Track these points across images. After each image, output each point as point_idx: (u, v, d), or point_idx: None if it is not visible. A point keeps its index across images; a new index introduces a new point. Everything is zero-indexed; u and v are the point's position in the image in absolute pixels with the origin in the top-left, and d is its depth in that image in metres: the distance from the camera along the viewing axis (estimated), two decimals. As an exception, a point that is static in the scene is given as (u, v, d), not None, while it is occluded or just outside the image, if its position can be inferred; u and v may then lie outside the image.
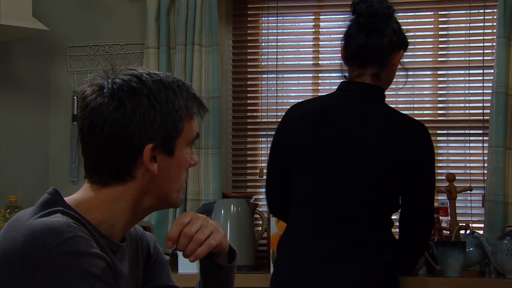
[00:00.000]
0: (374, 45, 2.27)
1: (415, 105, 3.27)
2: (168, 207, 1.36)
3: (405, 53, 3.47)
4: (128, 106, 1.26)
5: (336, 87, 2.37)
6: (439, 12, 3.25)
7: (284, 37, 3.33)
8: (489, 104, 2.97)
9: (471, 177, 3.11)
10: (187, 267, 2.83)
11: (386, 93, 2.35)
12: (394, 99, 3.30)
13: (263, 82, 3.33)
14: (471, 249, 2.75)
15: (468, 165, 3.15)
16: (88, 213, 1.27)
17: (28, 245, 1.18)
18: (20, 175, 3.28)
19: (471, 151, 3.14)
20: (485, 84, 3.09)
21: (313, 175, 2.25)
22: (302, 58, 3.37)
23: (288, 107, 2.43)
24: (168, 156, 1.30)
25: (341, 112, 2.27)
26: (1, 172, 3.24)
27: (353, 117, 2.26)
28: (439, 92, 3.24)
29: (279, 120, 2.41)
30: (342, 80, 2.36)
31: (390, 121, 2.27)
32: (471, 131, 3.14)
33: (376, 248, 2.20)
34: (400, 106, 3.27)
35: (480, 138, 3.09)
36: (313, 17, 3.35)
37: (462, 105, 3.20)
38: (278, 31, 3.31)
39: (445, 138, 3.27)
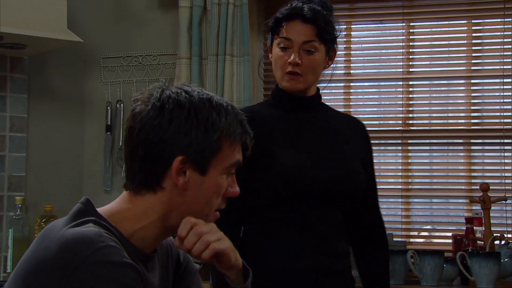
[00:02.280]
0: None
1: (449, 114, 3.25)
2: None
3: (437, 62, 3.44)
4: (166, 116, 1.27)
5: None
6: (473, 21, 3.22)
7: (316, 46, 3.31)
8: (524, 113, 2.93)
9: (506, 187, 3.06)
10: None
11: None
12: (428, 108, 3.28)
13: (294, 92, 3.32)
14: (506, 260, 2.71)
15: (503, 174, 3.11)
16: (120, 224, 1.28)
17: (61, 254, 1.19)
18: (55, 184, 3.33)
19: (506, 161, 3.10)
20: (519, 93, 3.06)
21: None
22: (333, 67, 3.34)
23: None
24: (200, 175, 1.29)
25: None
26: (37, 182, 3.29)
27: None
28: (472, 101, 3.21)
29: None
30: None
31: None
32: (506, 140, 3.10)
33: None
34: (434, 115, 3.25)
35: (515, 147, 3.05)
36: (345, 26, 3.34)
37: (496, 114, 3.16)
38: (310, 40, 3.30)
39: (479, 147, 3.23)
